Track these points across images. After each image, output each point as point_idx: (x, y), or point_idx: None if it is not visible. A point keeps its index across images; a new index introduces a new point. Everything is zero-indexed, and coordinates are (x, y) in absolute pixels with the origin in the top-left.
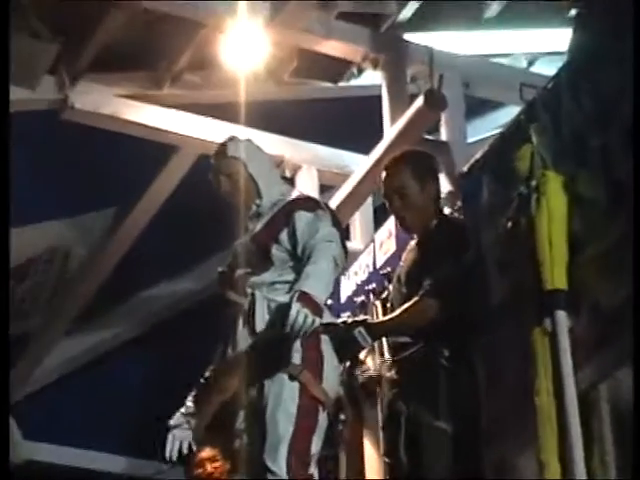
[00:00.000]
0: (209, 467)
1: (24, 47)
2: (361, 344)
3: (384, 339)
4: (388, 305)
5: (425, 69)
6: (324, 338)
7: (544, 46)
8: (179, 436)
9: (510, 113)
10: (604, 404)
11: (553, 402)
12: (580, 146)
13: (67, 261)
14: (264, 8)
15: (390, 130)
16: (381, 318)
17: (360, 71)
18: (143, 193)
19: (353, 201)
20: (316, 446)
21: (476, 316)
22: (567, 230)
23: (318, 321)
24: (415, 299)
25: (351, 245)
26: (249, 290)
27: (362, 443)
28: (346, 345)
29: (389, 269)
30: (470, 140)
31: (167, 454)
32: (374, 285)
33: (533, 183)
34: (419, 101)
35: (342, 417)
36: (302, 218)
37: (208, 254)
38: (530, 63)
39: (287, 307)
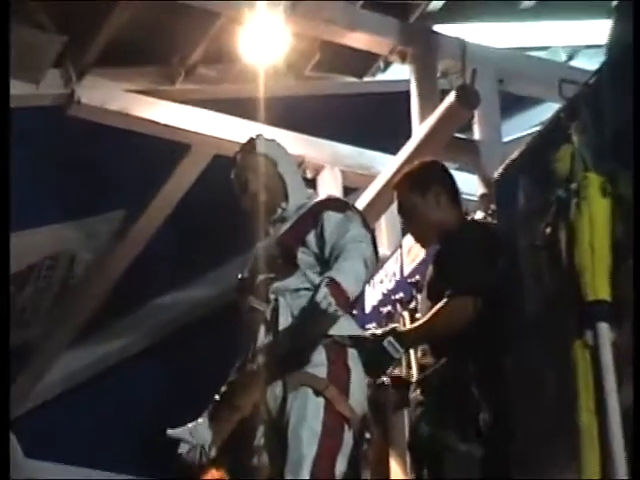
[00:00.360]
0: None
1: (27, 39)
2: (392, 355)
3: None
4: (417, 316)
5: (457, 63)
6: (351, 352)
7: (585, 38)
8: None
9: (548, 110)
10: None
11: (595, 420)
12: (623, 146)
13: (71, 267)
14: None
15: (419, 128)
16: (411, 325)
17: (387, 65)
18: (154, 195)
19: (379, 204)
20: (341, 466)
21: (511, 328)
22: (610, 236)
23: (340, 313)
24: (445, 300)
25: None
26: (272, 296)
27: (388, 464)
28: (376, 358)
29: (417, 277)
30: (505, 139)
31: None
32: (401, 294)
33: (573, 186)
34: (450, 97)
35: (367, 436)
36: (331, 219)
37: (223, 259)
38: (570, 57)
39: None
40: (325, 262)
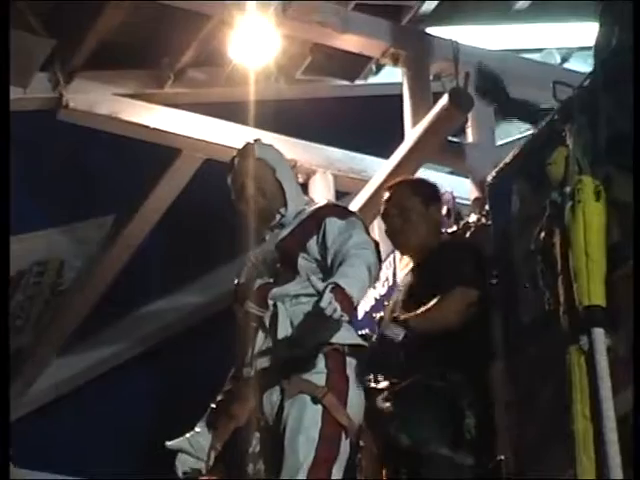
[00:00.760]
0: None
1: (15, 42)
2: (392, 338)
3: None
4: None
5: (450, 65)
6: (350, 361)
7: (579, 40)
8: (185, 462)
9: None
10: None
11: (590, 427)
12: (619, 149)
13: (61, 273)
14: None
15: (412, 132)
16: (411, 313)
17: (379, 68)
18: (144, 200)
19: (371, 209)
20: (337, 475)
21: (506, 334)
22: (605, 240)
23: (345, 319)
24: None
25: None
26: (271, 302)
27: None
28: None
29: None
30: (499, 143)
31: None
32: None
33: (568, 189)
34: (443, 100)
35: (361, 443)
36: (333, 225)
37: (214, 265)
38: (564, 59)
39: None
40: (327, 268)
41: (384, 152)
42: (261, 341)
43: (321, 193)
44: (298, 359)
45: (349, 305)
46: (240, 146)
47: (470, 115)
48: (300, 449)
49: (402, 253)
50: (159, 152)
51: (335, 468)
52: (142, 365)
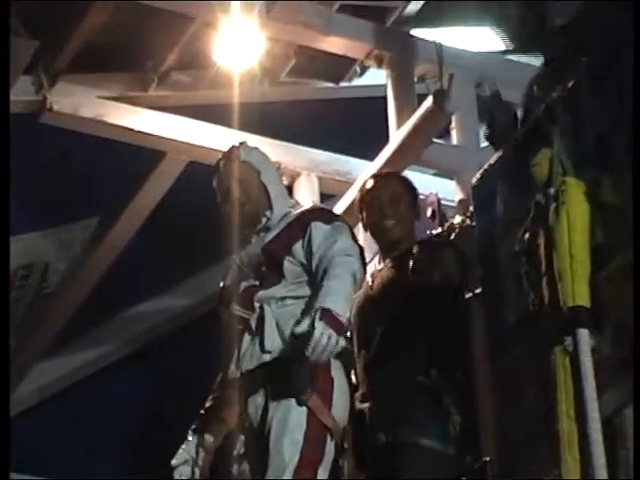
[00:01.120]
0: None
1: None
2: None
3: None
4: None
5: (434, 67)
6: (335, 363)
7: None
8: (185, 473)
9: None
10: (630, 430)
11: (575, 428)
12: (603, 149)
13: (45, 277)
14: (259, 1)
15: (396, 134)
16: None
17: (363, 69)
18: (128, 202)
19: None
20: (322, 477)
21: (491, 335)
22: (589, 242)
23: (342, 342)
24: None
25: None
26: (257, 304)
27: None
28: None
29: None
30: (483, 145)
31: None
32: None
33: (552, 191)
34: (428, 102)
35: (345, 445)
36: (319, 229)
37: (199, 267)
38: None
39: (304, 327)
40: (312, 273)
41: (369, 154)
42: (247, 343)
43: (306, 195)
44: (283, 361)
45: (341, 327)
46: (225, 148)
47: (454, 117)
48: (285, 451)
49: (382, 245)
50: (143, 154)
51: (320, 470)
52: (128, 367)
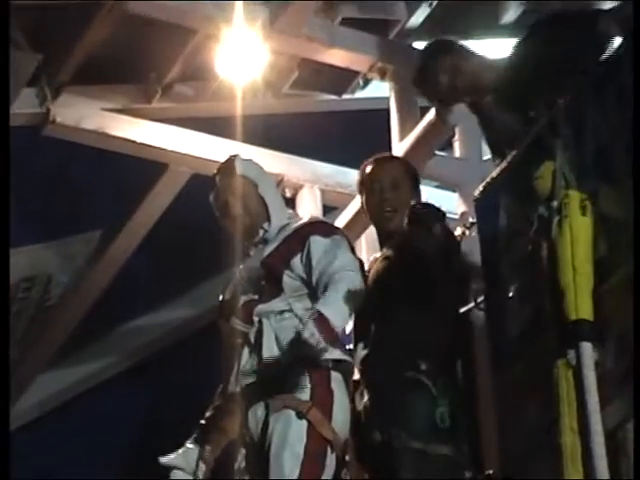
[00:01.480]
0: None
1: None
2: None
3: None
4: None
5: None
6: (335, 375)
7: None
8: (177, 476)
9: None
10: (633, 444)
11: (578, 441)
12: (605, 161)
13: (48, 289)
14: (262, 13)
15: (399, 146)
16: None
17: (366, 82)
18: (131, 215)
19: (359, 224)
20: None
21: (494, 347)
22: (592, 254)
23: (328, 351)
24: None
25: None
26: (256, 318)
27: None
28: None
29: None
30: (486, 157)
31: None
32: None
33: (555, 204)
34: (430, 115)
35: (347, 458)
36: (318, 243)
37: (201, 280)
38: None
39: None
40: (312, 286)
41: None
42: (246, 357)
43: (308, 208)
44: (283, 374)
45: (332, 335)
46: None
47: (457, 129)
48: (285, 465)
49: (380, 233)
50: (146, 167)
51: None
52: (129, 380)
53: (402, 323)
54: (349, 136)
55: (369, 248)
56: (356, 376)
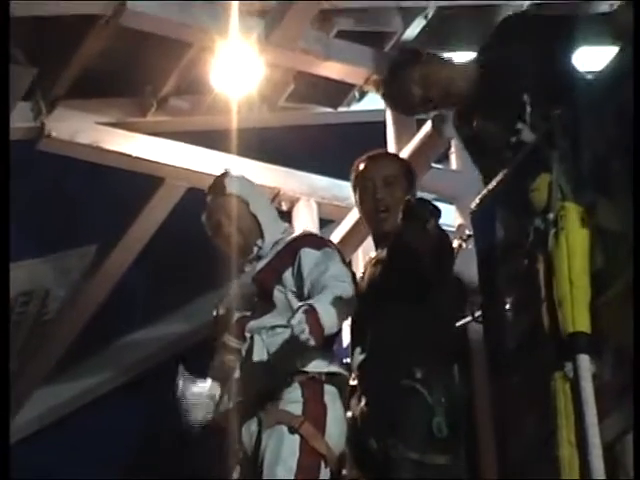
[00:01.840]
0: None
1: None
2: None
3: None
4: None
5: None
6: (328, 389)
7: None
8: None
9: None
10: (631, 457)
11: (575, 454)
12: (602, 173)
13: (45, 303)
14: (257, 26)
15: None
16: None
17: (362, 94)
18: (126, 229)
19: (355, 236)
20: None
21: (491, 360)
22: (589, 267)
23: (311, 345)
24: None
25: None
26: (248, 334)
27: None
28: None
29: None
30: None
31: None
32: None
33: (551, 216)
34: (427, 127)
35: (344, 472)
36: (309, 256)
37: (196, 295)
38: None
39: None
40: (303, 299)
41: None
42: (240, 372)
43: (305, 221)
44: (275, 389)
45: (318, 331)
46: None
47: (453, 142)
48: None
49: (375, 234)
50: (142, 181)
51: None
52: (126, 395)
53: (397, 327)
54: (345, 149)
55: (366, 260)
56: (353, 382)
